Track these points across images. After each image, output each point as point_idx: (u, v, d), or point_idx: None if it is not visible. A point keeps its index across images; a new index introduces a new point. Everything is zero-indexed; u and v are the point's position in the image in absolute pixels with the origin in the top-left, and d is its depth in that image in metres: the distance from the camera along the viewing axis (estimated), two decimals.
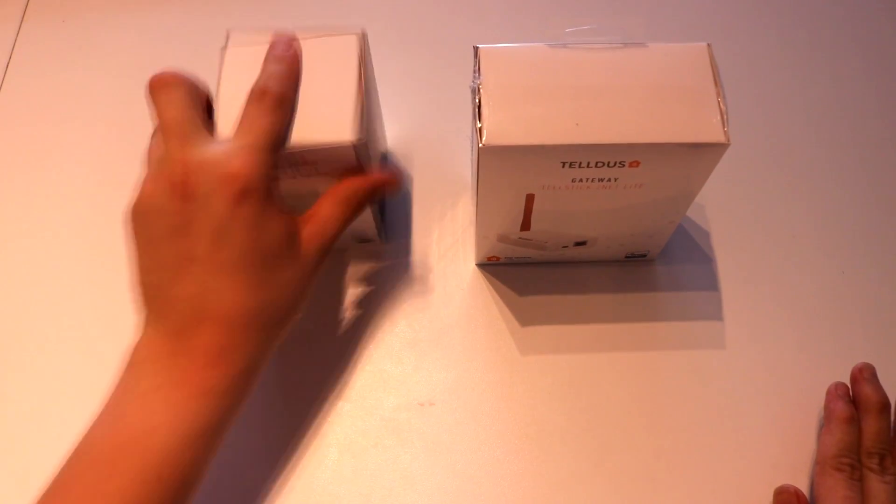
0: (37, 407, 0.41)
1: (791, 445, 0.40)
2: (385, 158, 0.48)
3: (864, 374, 0.38)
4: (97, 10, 0.56)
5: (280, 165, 0.34)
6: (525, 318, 0.43)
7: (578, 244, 0.42)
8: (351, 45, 0.37)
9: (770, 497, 0.38)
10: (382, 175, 0.37)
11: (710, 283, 0.44)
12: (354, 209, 0.36)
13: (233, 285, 0.31)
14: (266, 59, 0.34)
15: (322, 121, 0.35)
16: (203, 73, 0.53)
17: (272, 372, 0.42)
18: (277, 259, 0.32)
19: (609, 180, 0.34)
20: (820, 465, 0.36)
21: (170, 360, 0.31)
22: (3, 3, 0.57)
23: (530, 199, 0.36)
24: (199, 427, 0.30)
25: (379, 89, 0.46)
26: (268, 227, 0.31)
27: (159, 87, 0.33)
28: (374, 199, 0.37)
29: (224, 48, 0.37)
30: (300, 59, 0.35)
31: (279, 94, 0.33)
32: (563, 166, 0.33)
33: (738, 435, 0.40)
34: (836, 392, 0.38)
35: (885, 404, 0.37)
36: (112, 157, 0.50)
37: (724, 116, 0.32)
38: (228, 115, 0.34)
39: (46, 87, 0.53)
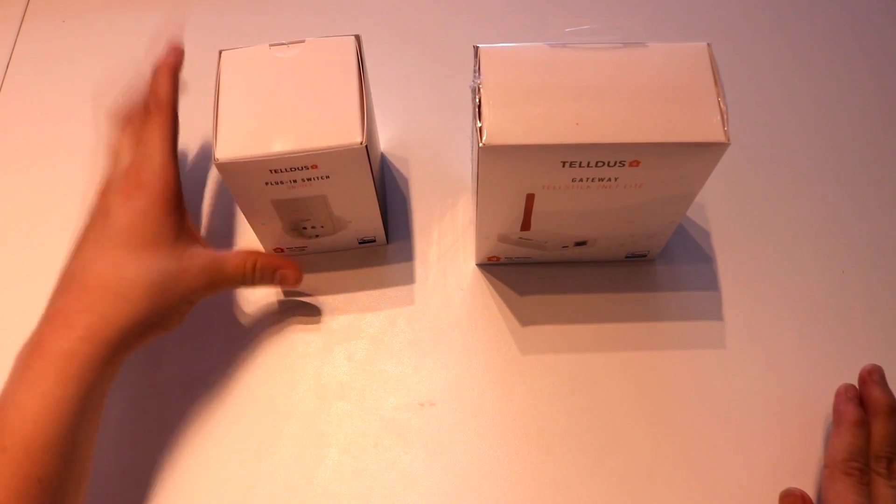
0: None
1: (791, 445, 0.40)
2: (382, 159, 0.48)
3: (874, 377, 0.38)
4: (97, 10, 0.56)
5: (283, 171, 0.35)
6: (525, 318, 0.43)
7: (578, 244, 0.42)
8: (348, 47, 0.37)
9: (770, 497, 0.38)
10: (292, 264, 0.40)
11: (710, 283, 0.44)
12: (259, 276, 0.38)
13: (102, 256, 0.34)
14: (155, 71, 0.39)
15: (327, 124, 0.35)
16: (202, 73, 0.53)
17: (272, 372, 0.42)
18: (153, 247, 0.34)
19: (609, 180, 0.34)
20: (829, 469, 0.36)
21: (38, 331, 0.33)
22: (3, 4, 0.57)
23: (530, 198, 0.36)
24: (52, 396, 0.30)
25: (379, 90, 0.46)
26: (150, 217, 0.35)
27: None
28: (274, 280, 0.39)
29: (222, 51, 0.37)
30: (179, 65, 0.40)
31: (168, 103, 0.38)
32: (564, 166, 0.33)
33: (737, 435, 0.40)
34: (846, 394, 0.38)
35: (894, 407, 0.37)
36: None
37: (724, 116, 0.32)
38: (229, 117, 0.35)
39: (47, 86, 0.53)
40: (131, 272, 0.34)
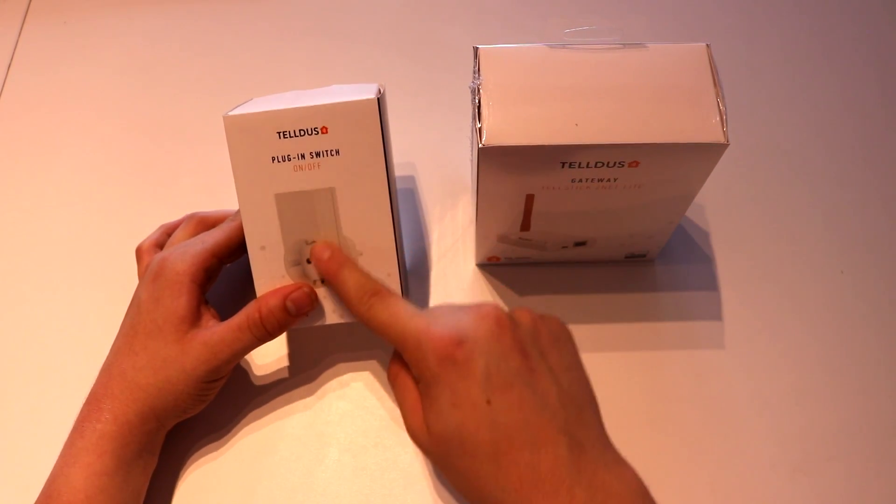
0: (35, 408, 0.41)
1: (790, 444, 0.40)
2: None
3: None
4: (98, 11, 0.56)
5: (291, 136, 0.35)
6: None
7: (578, 244, 0.42)
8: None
9: (768, 496, 0.38)
10: (297, 283, 0.37)
11: (710, 283, 0.44)
12: (271, 317, 0.36)
13: (125, 344, 0.36)
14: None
15: (346, 98, 0.35)
16: (201, 73, 0.53)
17: (272, 373, 0.42)
18: (159, 333, 0.36)
19: (608, 181, 0.35)
20: None
21: (79, 413, 0.36)
22: (4, 4, 0.57)
23: (530, 199, 0.36)
24: (93, 469, 0.34)
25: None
26: (161, 303, 0.36)
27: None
28: (290, 312, 0.36)
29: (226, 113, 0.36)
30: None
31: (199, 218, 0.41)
32: (563, 166, 0.33)
33: (736, 434, 0.40)
34: None
35: None
36: (113, 157, 0.50)
37: (724, 117, 0.33)
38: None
39: (48, 87, 0.53)
40: (142, 360, 0.36)
